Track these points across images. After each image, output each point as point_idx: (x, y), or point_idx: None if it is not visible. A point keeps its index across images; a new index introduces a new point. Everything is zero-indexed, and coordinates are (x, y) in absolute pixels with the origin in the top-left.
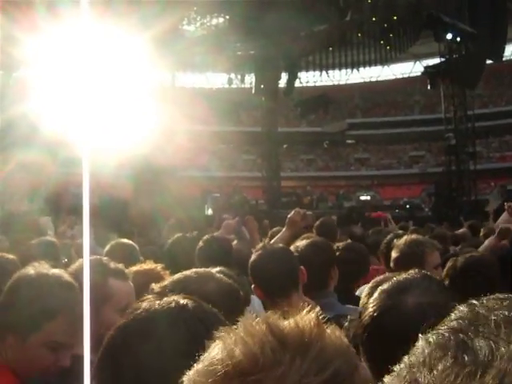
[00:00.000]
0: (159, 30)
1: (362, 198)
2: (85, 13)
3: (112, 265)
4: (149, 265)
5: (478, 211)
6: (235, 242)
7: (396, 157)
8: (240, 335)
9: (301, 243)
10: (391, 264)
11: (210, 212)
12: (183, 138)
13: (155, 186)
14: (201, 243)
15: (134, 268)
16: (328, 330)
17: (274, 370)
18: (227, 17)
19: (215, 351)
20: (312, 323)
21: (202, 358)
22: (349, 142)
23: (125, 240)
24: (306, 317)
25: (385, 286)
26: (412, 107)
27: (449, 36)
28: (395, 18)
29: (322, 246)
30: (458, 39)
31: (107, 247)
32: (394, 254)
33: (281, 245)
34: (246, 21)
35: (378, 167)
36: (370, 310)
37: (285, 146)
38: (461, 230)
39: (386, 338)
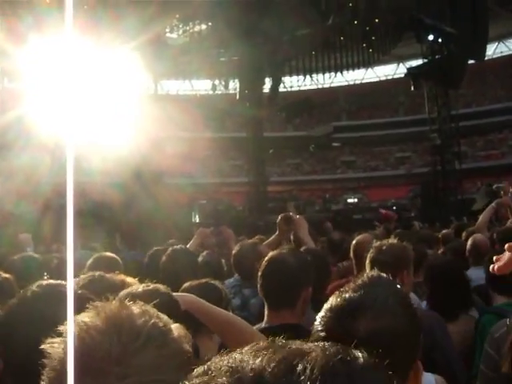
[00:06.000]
0: (142, 38)
1: (350, 200)
2: (69, 23)
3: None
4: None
5: (465, 210)
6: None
7: (382, 158)
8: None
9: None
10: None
11: (197, 219)
12: (169, 145)
13: (142, 194)
14: (164, 257)
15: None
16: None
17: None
18: (210, 23)
19: None
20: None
21: None
22: (335, 145)
23: (108, 253)
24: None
25: None
26: (397, 109)
27: (430, 37)
28: (377, 20)
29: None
30: (440, 40)
31: (90, 260)
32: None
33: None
34: (228, 27)
35: (365, 169)
36: None
37: (271, 150)
38: (445, 231)
39: None
